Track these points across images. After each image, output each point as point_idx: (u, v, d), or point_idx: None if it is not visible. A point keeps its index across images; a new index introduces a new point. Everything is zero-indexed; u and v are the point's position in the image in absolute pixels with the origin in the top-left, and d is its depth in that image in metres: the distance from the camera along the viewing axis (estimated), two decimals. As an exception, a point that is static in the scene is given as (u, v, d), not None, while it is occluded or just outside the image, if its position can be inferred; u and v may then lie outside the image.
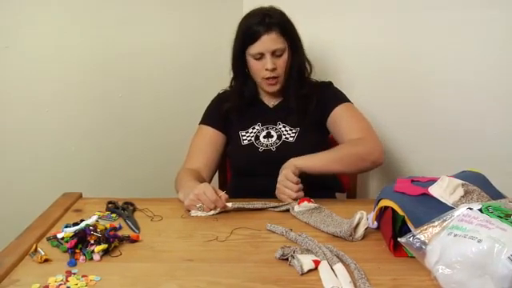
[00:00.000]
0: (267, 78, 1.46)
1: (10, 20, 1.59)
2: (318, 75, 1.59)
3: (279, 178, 1.31)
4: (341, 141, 1.46)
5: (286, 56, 1.45)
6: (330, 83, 1.58)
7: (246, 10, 1.81)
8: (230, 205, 1.25)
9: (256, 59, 1.45)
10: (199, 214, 1.24)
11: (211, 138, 1.53)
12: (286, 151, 1.45)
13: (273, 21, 1.42)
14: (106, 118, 1.81)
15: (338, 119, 1.47)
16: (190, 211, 1.26)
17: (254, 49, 1.43)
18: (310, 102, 1.50)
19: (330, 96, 1.52)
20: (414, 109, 1.82)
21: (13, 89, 1.63)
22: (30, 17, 1.61)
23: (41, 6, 1.62)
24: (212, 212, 1.24)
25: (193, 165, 1.48)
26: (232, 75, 1.55)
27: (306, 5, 1.79)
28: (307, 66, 1.54)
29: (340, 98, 1.51)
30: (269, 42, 1.42)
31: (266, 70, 1.44)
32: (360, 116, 1.49)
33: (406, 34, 1.76)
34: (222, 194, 1.23)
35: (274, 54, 1.43)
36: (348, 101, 1.52)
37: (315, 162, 1.34)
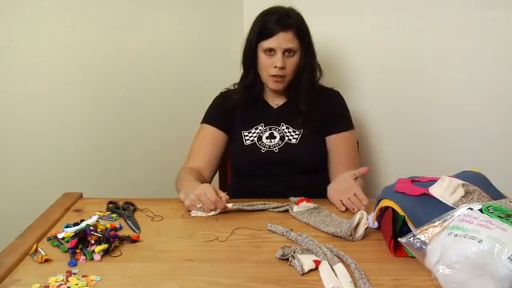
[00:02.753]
0: (274, 76, 1.46)
1: (11, 20, 1.59)
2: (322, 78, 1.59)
3: (358, 191, 1.25)
4: (332, 166, 1.49)
5: (296, 58, 1.46)
6: (339, 94, 1.58)
7: (247, 10, 1.82)
8: (230, 205, 1.25)
9: (267, 55, 1.45)
10: (199, 214, 1.24)
11: (213, 137, 1.53)
12: (289, 153, 1.46)
13: (291, 21, 1.43)
14: (107, 117, 1.81)
15: (337, 145, 1.50)
16: (190, 211, 1.26)
17: (267, 43, 1.43)
18: (317, 107, 1.50)
19: (339, 115, 1.54)
20: (414, 109, 1.82)
21: (14, 88, 1.63)
22: (30, 17, 1.61)
23: (42, 6, 1.62)
24: (212, 213, 1.24)
25: (194, 164, 1.48)
26: (241, 69, 1.54)
27: (308, 5, 1.79)
28: (317, 72, 1.54)
29: (347, 124, 1.54)
30: (283, 39, 1.42)
31: (275, 67, 1.44)
32: (355, 151, 1.55)
33: (407, 34, 1.76)
34: (223, 194, 1.23)
35: (285, 52, 1.44)
36: (352, 127, 1.55)
37: None
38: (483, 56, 1.69)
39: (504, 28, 1.66)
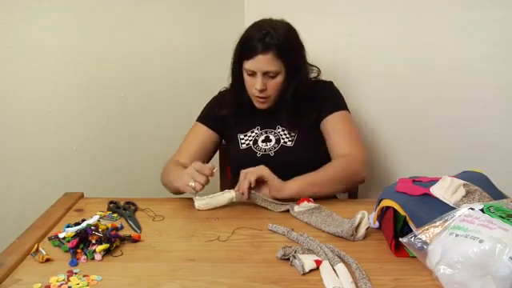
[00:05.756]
0: (256, 96, 1.43)
1: (12, 20, 1.59)
2: (320, 77, 1.58)
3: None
4: (329, 150, 1.45)
5: (279, 79, 1.40)
6: (331, 83, 1.56)
7: (248, 10, 1.81)
8: (231, 196, 1.28)
9: (249, 75, 1.41)
10: (203, 203, 1.26)
11: (203, 136, 1.52)
12: (284, 156, 1.44)
13: (272, 41, 1.35)
14: (108, 117, 1.81)
15: (331, 128, 1.45)
16: (193, 203, 1.27)
17: (248, 65, 1.39)
18: (308, 105, 1.47)
19: (328, 100, 1.50)
20: (415, 109, 1.82)
21: (15, 88, 1.64)
22: (32, 16, 1.61)
23: (43, 6, 1.62)
24: (217, 199, 1.27)
25: (180, 159, 1.48)
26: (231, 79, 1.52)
27: (309, 5, 1.79)
28: (313, 73, 1.52)
29: (337, 105, 1.49)
30: (263, 62, 1.37)
31: (256, 88, 1.41)
32: (352, 129, 1.46)
33: (409, 35, 1.76)
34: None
35: (266, 74, 1.39)
36: (344, 108, 1.50)
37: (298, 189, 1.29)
38: (485, 57, 1.69)
39: (505, 28, 1.65)
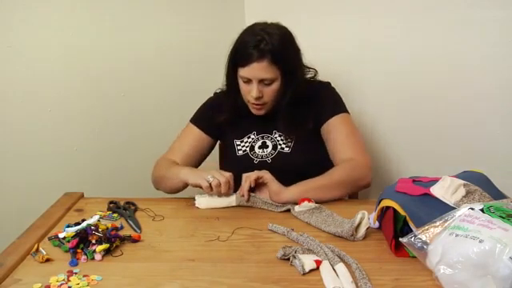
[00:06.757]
0: (252, 103, 1.40)
1: (13, 19, 1.59)
2: (320, 78, 1.58)
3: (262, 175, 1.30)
4: (331, 155, 1.43)
5: (276, 85, 1.37)
6: (329, 84, 1.53)
7: (248, 10, 1.81)
8: (234, 198, 1.29)
9: (244, 82, 1.38)
10: (204, 201, 1.28)
11: (196, 139, 1.50)
12: (282, 162, 1.42)
13: (267, 47, 1.31)
14: (109, 117, 1.81)
15: (332, 132, 1.42)
16: (194, 201, 1.28)
17: (243, 72, 1.36)
18: (305, 108, 1.44)
19: (328, 102, 1.47)
20: (415, 109, 1.82)
21: (15, 88, 1.64)
22: (32, 16, 1.62)
23: (43, 5, 1.62)
24: (218, 200, 1.28)
25: (173, 159, 1.46)
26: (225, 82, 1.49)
27: (309, 5, 1.79)
28: (309, 72, 1.49)
29: (337, 108, 1.46)
30: (258, 70, 1.33)
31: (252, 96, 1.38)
32: (353, 132, 1.44)
33: (409, 34, 1.75)
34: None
35: (262, 81, 1.35)
36: (344, 110, 1.47)
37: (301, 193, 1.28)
38: (484, 57, 1.69)
39: (505, 28, 1.66)
